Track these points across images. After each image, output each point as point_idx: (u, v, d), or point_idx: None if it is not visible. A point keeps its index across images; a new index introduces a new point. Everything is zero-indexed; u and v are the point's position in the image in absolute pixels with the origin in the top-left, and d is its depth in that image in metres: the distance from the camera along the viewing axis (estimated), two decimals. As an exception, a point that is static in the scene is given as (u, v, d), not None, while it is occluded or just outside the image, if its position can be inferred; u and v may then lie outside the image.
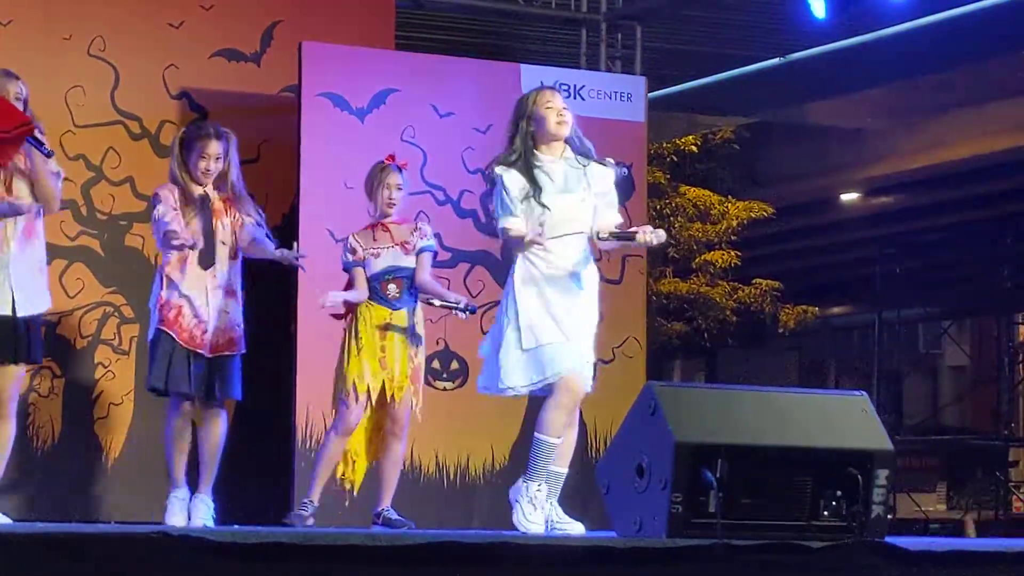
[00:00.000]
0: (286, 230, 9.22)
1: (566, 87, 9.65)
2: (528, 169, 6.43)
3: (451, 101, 9.40)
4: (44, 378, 8.92)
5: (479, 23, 11.49)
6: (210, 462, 7.37)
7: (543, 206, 6.39)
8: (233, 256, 7.50)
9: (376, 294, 7.61)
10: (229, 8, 9.53)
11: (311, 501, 7.55)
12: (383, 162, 7.70)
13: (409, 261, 7.62)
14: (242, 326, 7.49)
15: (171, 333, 7.32)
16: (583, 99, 9.66)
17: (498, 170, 6.51)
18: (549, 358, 6.30)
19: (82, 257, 9.09)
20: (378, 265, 7.61)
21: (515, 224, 6.44)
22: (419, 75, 9.41)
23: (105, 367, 9.06)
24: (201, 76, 9.43)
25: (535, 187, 6.40)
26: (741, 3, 11.38)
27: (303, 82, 9.08)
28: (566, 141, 6.55)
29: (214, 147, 7.50)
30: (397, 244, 7.63)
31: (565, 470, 6.50)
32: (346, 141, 9.10)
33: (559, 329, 6.33)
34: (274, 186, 9.37)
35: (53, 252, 8.87)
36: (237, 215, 7.49)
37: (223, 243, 7.43)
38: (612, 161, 6.65)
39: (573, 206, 6.44)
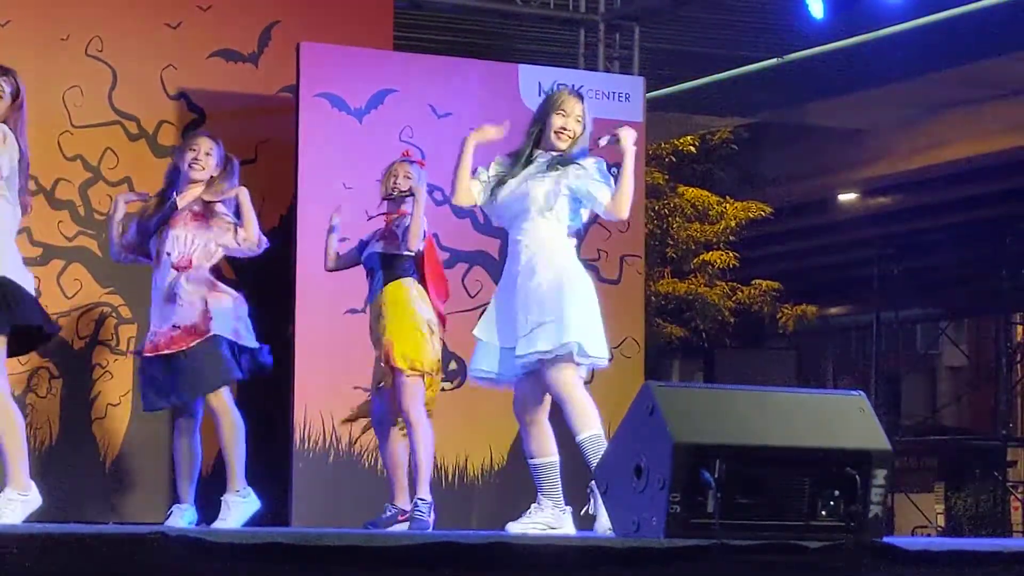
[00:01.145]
0: (284, 231, 9.24)
1: (564, 88, 9.66)
2: (525, 159, 6.43)
3: (449, 101, 9.40)
4: (42, 379, 8.93)
5: (477, 23, 11.49)
6: (228, 460, 7.22)
7: (502, 191, 6.39)
8: (182, 267, 7.25)
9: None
10: (227, 9, 9.53)
11: (391, 505, 7.60)
12: (401, 157, 7.82)
13: (377, 247, 7.67)
14: (188, 323, 7.16)
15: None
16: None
17: (497, 157, 6.55)
18: (474, 354, 6.39)
19: (80, 258, 9.09)
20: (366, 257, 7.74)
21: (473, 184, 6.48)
22: (417, 75, 9.42)
23: (103, 368, 9.06)
24: (199, 76, 9.43)
25: (510, 175, 6.39)
26: (739, 4, 11.39)
27: (301, 83, 9.08)
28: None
29: (202, 141, 7.38)
30: (383, 238, 7.68)
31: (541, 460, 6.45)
32: (344, 142, 9.10)
33: (488, 326, 6.35)
34: (272, 186, 9.37)
35: (51, 252, 8.90)
36: (203, 233, 7.29)
37: (167, 253, 7.26)
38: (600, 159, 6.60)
39: (524, 189, 6.36)
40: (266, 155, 9.43)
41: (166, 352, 7.18)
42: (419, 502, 7.41)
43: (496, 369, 6.36)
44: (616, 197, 6.44)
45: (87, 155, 9.19)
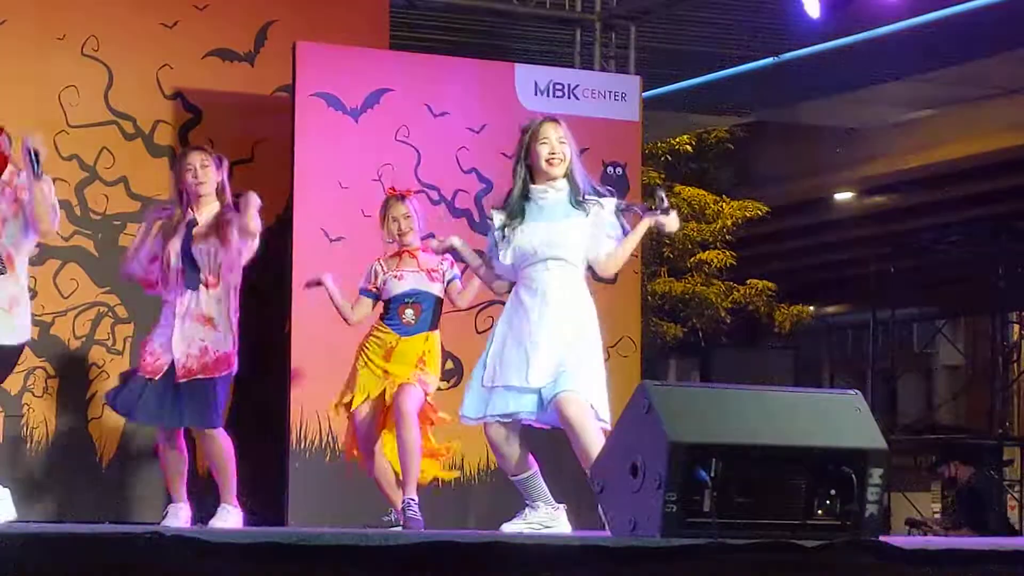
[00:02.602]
0: (280, 230, 9.23)
1: (560, 87, 9.66)
2: (520, 199, 6.35)
3: (445, 101, 9.40)
4: (38, 378, 8.92)
5: (473, 22, 11.49)
6: (220, 477, 7.28)
7: (521, 233, 6.31)
8: (210, 283, 7.18)
9: (390, 318, 7.61)
10: (223, 8, 9.53)
11: (393, 510, 7.62)
12: (386, 196, 7.78)
13: (434, 288, 7.64)
14: (222, 352, 7.14)
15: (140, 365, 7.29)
16: (577, 99, 9.66)
17: (492, 211, 6.49)
18: (493, 398, 6.35)
19: (76, 257, 9.09)
20: (399, 288, 7.62)
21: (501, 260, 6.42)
22: (413, 75, 9.41)
23: (99, 367, 9.06)
24: (195, 76, 9.43)
25: (519, 218, 6.32)
26: (735, 2, 11.38)
27: (297, 82, 9.08)
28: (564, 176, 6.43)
29: (193, 156, 7.33)
30: (423, 270, 7.65)
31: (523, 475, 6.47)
32: (340, 141, 9.10)
33: (502, 370, 6.29)
34: (268, 186, 9.34)
35: (47, 252, 8.88)
36: (222, 239, 7.21)
37: (196, 270, 7.20)
38: (611, 191, 6.50)
39: (556, 232, 6.29)
40: (262, 155, 9.43)
41: (197, 377, 7.16)
42: (410, 502, 7.41)
43: (483, 411, 6.37)
44: (613, 258, 6.39)
45: (83, 155, 9.18)
